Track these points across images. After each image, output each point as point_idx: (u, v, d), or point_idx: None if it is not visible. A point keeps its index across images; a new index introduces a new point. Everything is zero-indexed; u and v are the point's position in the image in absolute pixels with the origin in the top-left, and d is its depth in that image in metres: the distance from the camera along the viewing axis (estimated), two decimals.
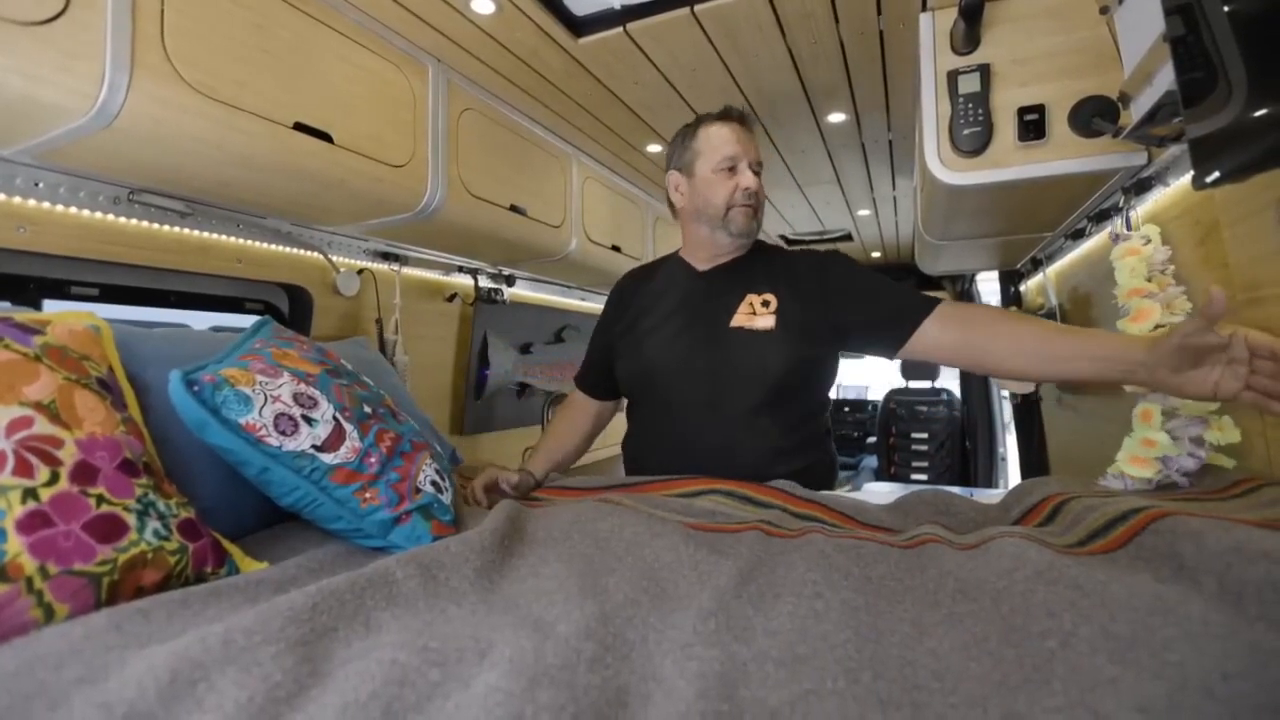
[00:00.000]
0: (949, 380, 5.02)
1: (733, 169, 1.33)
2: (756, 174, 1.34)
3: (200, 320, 1.58)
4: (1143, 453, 1.08)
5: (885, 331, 1.24)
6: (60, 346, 0.84)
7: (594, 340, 1.58)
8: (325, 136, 1.26)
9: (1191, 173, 0.79)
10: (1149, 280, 1.17)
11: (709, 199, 1.35)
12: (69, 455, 0.73)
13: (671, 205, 1.47)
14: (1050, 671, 0.55)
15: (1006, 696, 0.53)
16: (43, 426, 0.73)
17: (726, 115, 1.38)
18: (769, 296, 1.32)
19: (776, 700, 0.53)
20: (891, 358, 1.28)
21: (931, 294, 1.23)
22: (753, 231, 1.36)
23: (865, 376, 7.22)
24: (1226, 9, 0.75)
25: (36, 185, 1.17)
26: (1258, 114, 0.72)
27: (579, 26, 1.53)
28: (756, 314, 1.31)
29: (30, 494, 0.68)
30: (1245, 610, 0.58)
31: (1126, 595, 0.61)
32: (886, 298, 1.26)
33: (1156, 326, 1.12)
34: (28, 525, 0.66)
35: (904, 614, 0.68)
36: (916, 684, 0.56)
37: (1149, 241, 1.21)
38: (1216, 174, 0.76)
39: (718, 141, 1.34)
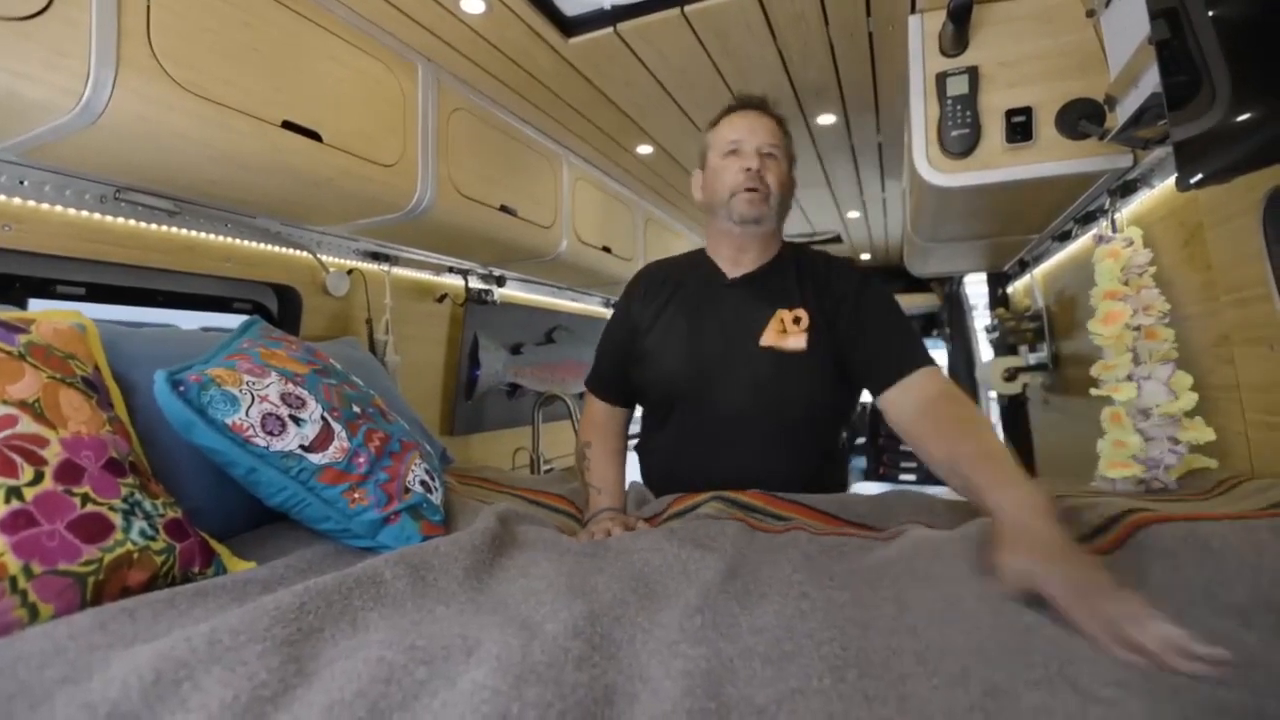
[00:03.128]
0: None
1: (737, 153, 1.28)
2: (764, 155, 1.27)
3: (188, 320, 1.57)
4: (1116, 455, 1.09)
5: (874, 373, 1.19)
6: (45, 345, 0.84)
7: (609, 340, 1.47)
8: (314, 135, 1.26)
9: (1176, 175, 0.80)
10: (1125, 283, 1.18)
11: (714, 187, 1.31)
12: (53, 454, 0.73)
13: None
14: (1030, 644, 0.56)
15: (986, 668, 0.55)
16: (27, 425, 0.73)
17: (736, 104, 1.35)
18: (800, 313, 1.26)
19: (763, 698, 0.53)
20: (874, 396, 1.21)
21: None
22: (760, 218, 1.26)
23: None
24: (1211, 13, 0.76)
25: (21, 183, 1.16)
26: (1241, 117, 0.73)
27: (569, 27, 1.53)
28: (788, 332, 1.25)
29: (14, 493, 0.67)
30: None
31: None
32: (905, 333, 1.21)
33: (1125, 327, 1.13)
34: (11, 525, 0.65)
35: (885, 593, 0.70)
36: (902, 673, 0.57)
37: (1131, 244, 1.22)
38: (1200, 176, 0.77)
39: (725, 129, 1.31)
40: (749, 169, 1.25)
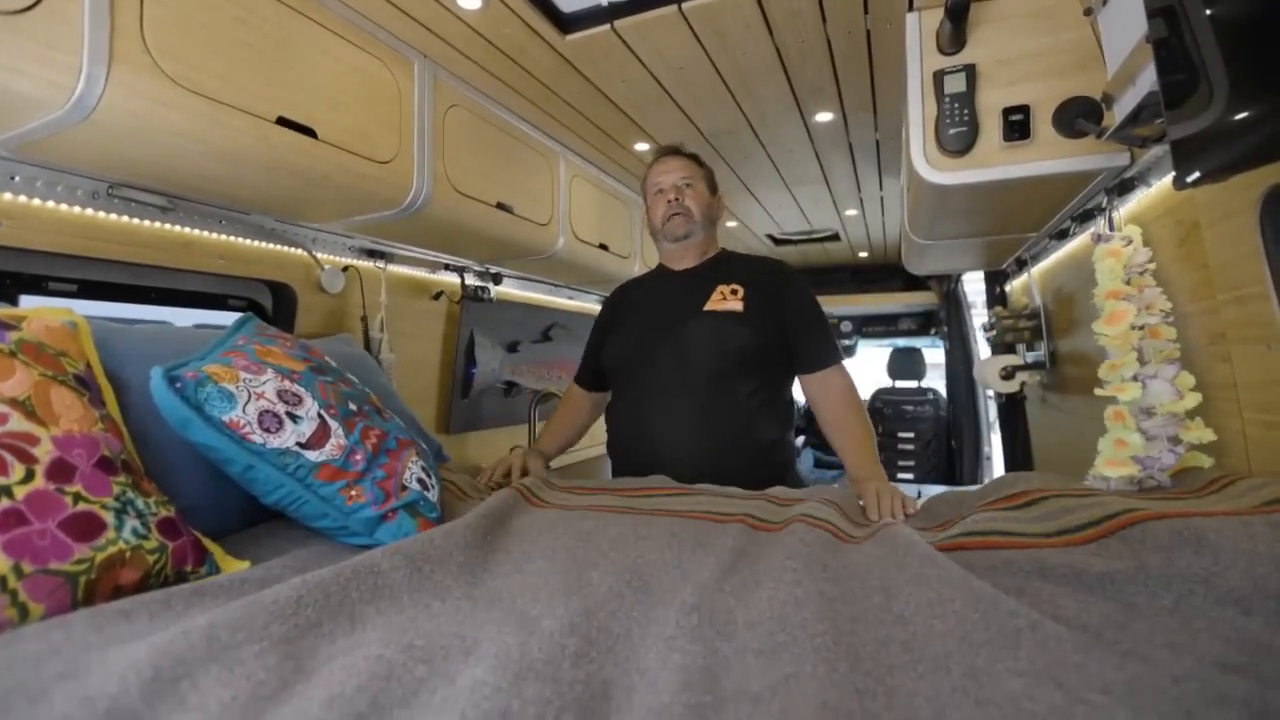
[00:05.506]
0: (935, 380, 5.05)
1: (661, 191, 1.67)
2: (682, 187, 1.64)
3: (183, 317, 1.56)
4: (1116, 454, 1.09)
5: (804, 357, 1.57)
6: (36, 343, 0.83)
7: (589, 343, 1.84)
8: (309, 132, 1.25)
9: (1173, 173, 0.80)
10: (1127, 283, 1.18)
11: (652, 219, 1.72)
12: (45, 453, 0.72)
13: None
14: (1018, 642, 0.56)
15: (969, 653, 0.56)
16: (18, 423, 0.72)
17: (659, 153, 1.74)
18: (737, 286, 1.59)
19: (758, 686, 0.53)
20: (796, 374, 1.61)
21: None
22: (688, 233, 1.64)
23: (853, 375, 7.24)
24: (1209, 11, 0.75)
25: (13, 179, 1.15)
26: (1238, 115, 0.73)
27: (566, 23, 1.52)
28: (727, 300, 1.57)
29: (4, 492, 0.66)
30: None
31: (1078, 609, 0.65)
32: (820, 331, 1.59)
33: (1131, 328, 1.13)
34: (1, 523, 0.65)
35: (874, 583, 0.72)
36: (891, 665, 0.57)
37: (1130, 243, 1.22)
38: (1197, 174, 0.77)
39: (651, 177, 1.71)
40: (670, 200, 1.65)
